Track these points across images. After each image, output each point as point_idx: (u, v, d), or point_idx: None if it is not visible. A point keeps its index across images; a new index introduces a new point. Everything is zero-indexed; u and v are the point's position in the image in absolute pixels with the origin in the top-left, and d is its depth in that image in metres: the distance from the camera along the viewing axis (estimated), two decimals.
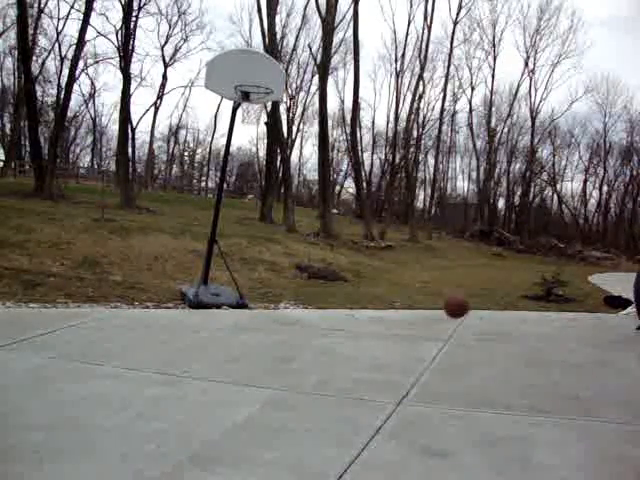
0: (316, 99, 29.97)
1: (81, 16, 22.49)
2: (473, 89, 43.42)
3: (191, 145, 56.24)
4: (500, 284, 12.73)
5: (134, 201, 21.11)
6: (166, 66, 40.26)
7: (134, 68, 34.05)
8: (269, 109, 25.50)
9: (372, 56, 49.30)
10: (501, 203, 49.20)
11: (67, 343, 4.96)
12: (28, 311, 6.25)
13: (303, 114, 43.56)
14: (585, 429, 3.20)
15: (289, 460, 2.93)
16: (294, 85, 41.33)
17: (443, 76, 37.35)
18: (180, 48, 41.35)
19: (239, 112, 8.59)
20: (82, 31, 21.11)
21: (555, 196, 48.59)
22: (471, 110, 43.35)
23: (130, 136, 30.97)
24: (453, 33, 36.20)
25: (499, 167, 46.23)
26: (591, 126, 61.91)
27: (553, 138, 46.39)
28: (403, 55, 38.13)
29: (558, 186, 47.58)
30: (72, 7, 28.55)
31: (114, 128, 43.26)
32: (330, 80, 31.25)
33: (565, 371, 4.88)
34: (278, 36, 29.99)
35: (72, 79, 22.16)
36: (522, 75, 43.04)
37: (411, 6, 35.97)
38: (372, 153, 47.96)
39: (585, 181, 48.05)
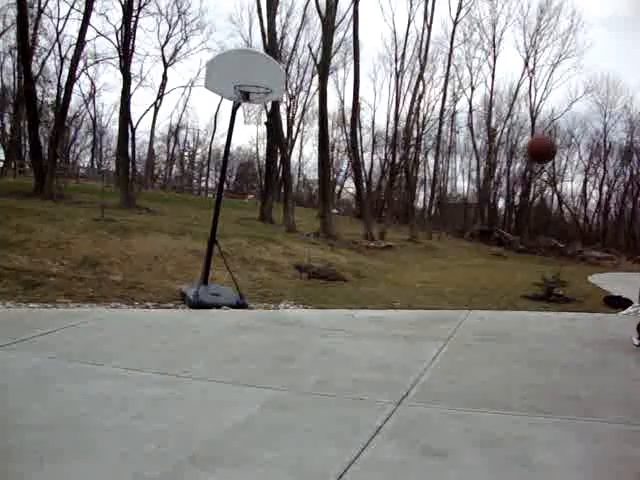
0: (316, 99, 30.01)
1: (81, 16, 22.52)
2: (473, 89, 43.50)
3: (191, 145, 56.32)
4: (500, 284, 12.73)
5: (134, 201, 21.11)
6: (166, 66, 40.33)
7: (134, 68, 34.13)
8: (269, 109, 25.49)
9: (372, 56, 49.36)
10: (501, 203, 49.27)
11: (67, 343, 4.96)
12: (28, 311, 6.25)
13: (303, 114, 43.61)
14: (585, 429, 3.20)
15: (289, 460, 2.93)
16: (294, 85, 41.37)
17: (443, 76, 37.42)
18: (180, 48, 41.45)
19: (239, 112, 8.58)
20: (82, 31, 21.12)
21: (555, 196, 48.65)
22: (471, 110, 43.42)
23: (130, 136, 30.98)
24: (453, 33, 36.28)
25: (499, 167, 46.30)
26: (591, 126, 61.91)
27: (553, 138, 46.37)
28: (403, 55, 38.17)
29: (558, 186, 47.63)
30: (72, 7, 28.64)
31: (114, 128, 43.31)
32: (330, 80, 31.33)
33: (565, 371, 4.88)
34: (278, 36, 29.99)
35: (72, 79, 22.17)
36: (522, 75, 43.17)
37: (411, 6, 35.98)
38: (372, 153, 48.01)
39: (585, 181, 48.12)
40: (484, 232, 37.03)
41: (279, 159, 26.78)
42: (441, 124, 36.47)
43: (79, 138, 50.39)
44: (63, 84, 25.94)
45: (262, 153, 39.86)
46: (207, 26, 73.09)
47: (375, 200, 41.80)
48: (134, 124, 36.24)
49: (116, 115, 34.80)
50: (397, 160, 35.85)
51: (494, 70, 42.76)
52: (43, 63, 32.28)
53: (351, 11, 26.91)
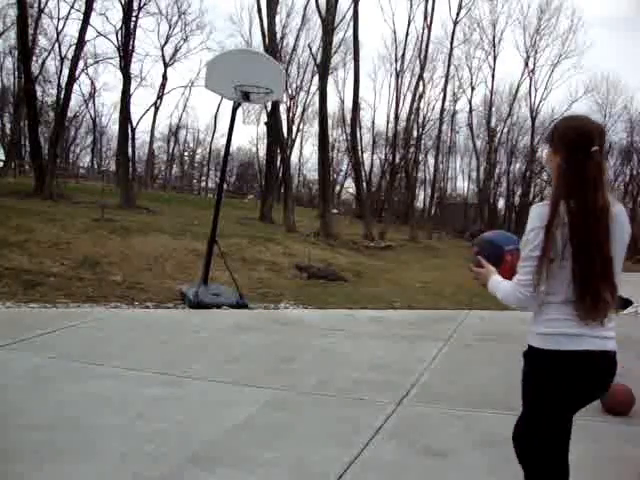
0: (316, 99, 29.95)
1: (81, 16, 22.48)
2: (473, 89, 43.42)
3: (191, 145, 56.27)
4: None
5: (134, 201, 21.09)
6: (166, 66, 40.30)
7: (134, 68, 34.07)
8: (269, 109, 25.48)
9: (372, 56, 49.23)
10: (501, 203, 49.22)
11: (67, 343, 4.96)
12: (28, 311, 6.25)
13: (303, 114, 43.52)
14: (585, 429, 3.20)
15: (289, 460, 2.93)
16: (294, 85, 41.29)
17: (443, 76, 37.35)
18: (180, 48, 41.39)
19: (239, 112, 8.59)
20: (82, 31, 21.09)
21: None
22: (471, 110, 43.34)
23: (130, 136, 31.04)
24: (453, 33, 36.19)
25: (499, 167, 46.25)
26: None
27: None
28: (403, 55, 38.12)
29: None
30: (72, 7, 28.63)
31: (114, 128, 43.22)
32: (330, 80, 31.23)
33: None
34: (278, 36, 29.96)
35: (72, 79, 22.13)
36: (522, 75, 43.07)
37: (411, 6, 35.85)
38: (372, 153, 47.95)
39: None
40: (484, 232, 37.00)
41: (279, 159, 26.78)
42: (441, 124, 36.45)
43: (79, 138, 50.39)
44: (63, 84, 25.99)
45: (262, 153, 39.86)
46: (207, 26, 72.82)
47: (375, 200, 41.79)
48: (134, 124, 36.35)
49: (116, 115, 34.77)
50: (397, 160, 35.84)
51: (494, 70, 42.72)
52: (43, 63, 32.30)
53: (351, 11, 26.93)
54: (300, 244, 16.18)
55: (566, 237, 1.73)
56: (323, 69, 24.99)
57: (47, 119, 33.76)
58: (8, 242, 9.68)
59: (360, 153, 32.64)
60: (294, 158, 45.28)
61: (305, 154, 73.24)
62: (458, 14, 36.20)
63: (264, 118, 31.79)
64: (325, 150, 25.62)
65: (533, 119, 43.52)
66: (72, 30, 65.58)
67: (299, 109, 43.01)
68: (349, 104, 33.77)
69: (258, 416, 3.53)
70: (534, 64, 42.94)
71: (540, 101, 44.40)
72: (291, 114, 41.78)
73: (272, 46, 23.50)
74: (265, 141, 30.95)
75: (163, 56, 40.15)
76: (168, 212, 21.03)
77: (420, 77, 34.00)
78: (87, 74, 38.18)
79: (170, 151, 53.42)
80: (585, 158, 1.78)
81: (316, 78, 31.01)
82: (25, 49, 21.75)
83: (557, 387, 1.88)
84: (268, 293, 9.05)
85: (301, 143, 50.66)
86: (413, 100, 33.93)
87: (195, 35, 70.40)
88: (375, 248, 21.94)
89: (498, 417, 3.70)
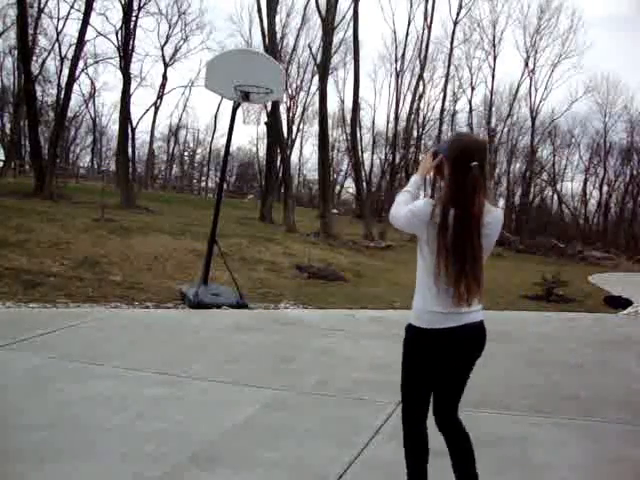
0: (316, 99, 29.95)
1: (81, 16, 22.49)
2: (473, 89, 43.40)
3: (191, 145, 56.27)
4: (500, 284, 12.72)
5: (134, 201, 21.09)
6: (166, 66, 40.32)
7: (134, 68, 34.08)
8: (269, 109, 25.48)
9: (372, 56, 49.17)
10: (501, 203, 49.15)
11: (67, 343, 4.96)
12: (28, 311, 6.25)
13: (303, 114, 43.51)
14: (585, 429, 3.20)
15: (289, 460, 2.93)
16: (294, 85, 41.30)
17: (443, 76, 37.39)
18: (180, 48, 41.43)
19: (239, 112, 8.58)
20: (82, 31, 21.10)
21: (555, 196, 48.60)
22: (471, 110, 43.33)
23: (130, 136, 31.07)
24: (453, 33, 36.21)
25: (499, 167, 46.21)
26: (591, 126, 61.71)
27: (553, 138, 46.35)
28: (403, 55, 38.12)
29: (558, 186, 47.60)
30: (72, 7, 28.69)
31: (114, 128, 43.21)
32: (330, 80, 31.21)
33: (565, 371, 4.88)
34: (278, 36, 29.98)
35: (72, 79, 22.15)
36: (522, 75, 42.97)
37: (411, 6, 35.88)
38: (372, 153, 47.90)
39: (585, 181, 48.07)
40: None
41: (279, 159, 26.77)
42: (441, 124, 36.46)
43: (79, 138, 50.42)
44: (63, 84, 26.02)
45: (262, 153, 39.86)
46: (207, 26, 72.76)
47: (375, 200, 41.77)
48: (134, 124, 36.37)
49: (116, 115, 34.74)
50: (397, 160, 35.84)
51: (494, 70, 42.66)
52: (43, 63, 32.31)
53: (351, 11, 26.89)
54: (300, 244, 16.18)
55: (435, 234, 2.08)
56: (323, 69, 24.98)
57: (47, 119, 33.76)
58: (8, 242, 9.68)
59: (360, 153, 32.61)
60: (294, 158, 45.33)
61: (305, 154, 73.22)
62: (458, 14, 36.23)
63: (264, 118, 31.80)
64: (325, 150, 25.61)
65: (533, 119, 43.47)
66: (72, 30, 65.66)
67: (299, 109, 43.05)
68: (349, 104, 33.76)
69: (258, 416, 3.53)
70: (534, 64, 42.91)
71: (540, 101, 44.33)
72: (291, 114, 41.81)
73: (272, 46, 23.50)
74: (265, 141, 31.00)
75: (163, 56, 40.21)
76: (168, 212, 21.03)
77: (420, 77, 34.02)
78: (87, 74, 38.27)
79: (170, 151, 53.46)
80: (466, 172, 2.09)
81: (316, 78, 31.04)
82: (25, 49, 21.76)
83: (426, 358, 2.32)
84: (268, 293, 9.05)
85: (301, 143, 50.71)
86: (413, 100, 33.96)
87: (195, 35, 70.60)
88: (375, 248, 21.92)
89: (498, 417, 3.70)
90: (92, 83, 41.89)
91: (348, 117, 36.44)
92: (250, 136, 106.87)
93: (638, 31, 73.33)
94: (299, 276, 11.45)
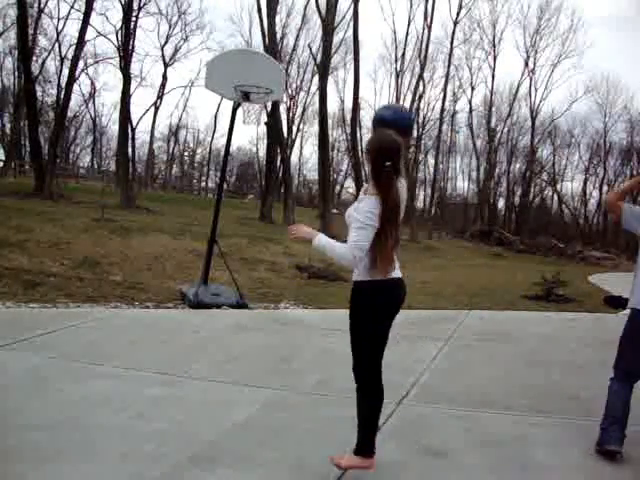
0: (316, 99, 29.93)
1: (81, 16, 22.49)
2: (473, 89, 43.41)
3: (191, 145, 56.26)
4: (500, 284, 12.72)
5: (134, 201, 21.10)
6: (166, 66, 40.30)
7: (134, 68, 34.07)
8: (269, 109, 25.50)
9: (372, 56, 49.27)
10: (501, 203, 49.19)
11: (67, 343, 4.96)
12: (28, 311, 6.25)
13: (303, 114, 43.48)
14: (585, 429, 3.20)
15: (289, 460, 2.94)
16: (294, 85, 41.28)
17: (443, 76, 37.34)
18: (180, 48, 41.40)
19: (239, 112, 8.58)
20: (82, 31, 21.11)
21: (555, 196, 48.59)
22: (471, 110, 43.33)
23: (130, 136, 31.01)
24: (453, 33, 36.16)
25: (499, 167, 46.22)
26: (591, 126, 61.72)
27: (553, 138, 46.36)
28: (403, 55, 38.12)
29: (558, 186, 47.58)
30: (72, 7, 28.65)
31: (114, 128, 43.25)
32: (330, 80, 31.20)
33: (565, 371, 4.88)
34: (278, 36, 29.96)
35: (72, 79, 22.15)
36: (522, 75, 43.00)
37: (411, 6, 35.97)
38: None
39: (585, 181, 48.07)
40: (484, 232, 36.98)
41: (279, 159, 26.78)
42: (441, 124, 36.43)
43: (79, 138, 50.40)
44: (63, 84, 26.00)
45: (262, 153, 39.91)
46: (207, 26, 72.95)
47: None
48: (134, 124, 36.30)
49: (116, 115, 34.75)
50: None
51: (494, 70, 42.68)
52: (43, 63, 32.28)
53: (351, 11, 26.89)
54: (300, 244, 16.17)
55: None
56: (323, 69, 24.98)
57: (47, 119, 33.78)
58: (8, 242, 9.68)
59: (360, 153, 32.59)
60: (294, 158, 45.32)
61: (305, 154, 73.28)
62: (458, 14, 36.18)
63: (264, 118, 31.82)
64: (325, 150, 25.62)
65: (533, 119, 43.47)
66: (72, 30, 65.63)
67: (299, 109, 43.02)
68: (349, 104, 33.76)
69: (258, 416, 3.53)
70: (534, 64, 42.93)
71: (540, 101, 44.37)
72: (291, 114, 41.79)
73: (272, 46, 23.51)
74: (265, 141, 31.00)
75: (163, 56, 40.19)
76: (168, 212, 21.03)
77: (420, 77, 34.02)
78: (87, 74, 38.21)
79: (170, 151, 53.45)
80: (382, 170, 2.61)
81: (316, 78, 31.03)
82: (25, 49, 21.76)
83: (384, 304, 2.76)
84: (268, 293, 9.04)
85: (301, 143, 50.70)
86: (413, 100, 33.93)
87: (195, 35, 70.52)
88: None
89: (498, 417, 3.70)
90: (92, 83, 41.91)
91: (348, 117, 36.43)
92: (250, 136, 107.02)
93: (638, 31, 73.33)
94: (299, 276, 11.44)
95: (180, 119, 50.68)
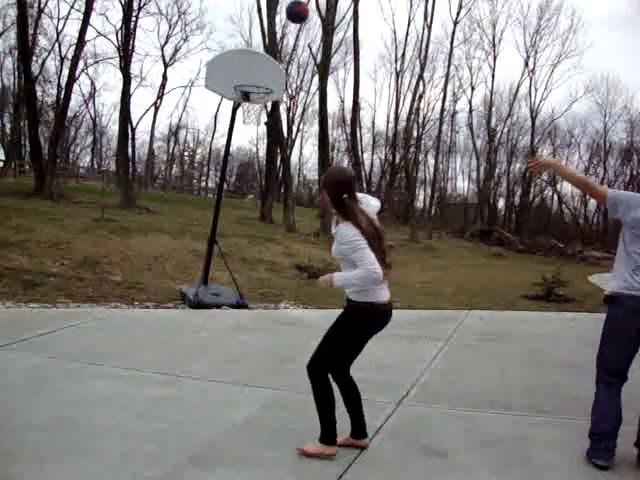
0: (316, 99, 29.94)
1: (81, 16, 22.48)
2: (473, 89, 43.36)
3: (191, 145, 56.23)
4: (500, 284, 12.72)
5: (134, 201, 21.08)
6: (166, 66, 40.26)
7: (134, 68, 34.11)
8: (269, 109, 25.47)
9: (372, 56, 49.27)
10: (501, 203, 49.18)
11: (67, 343, 4.96)
12: (28, 311, 6.25)
13: (303, 114, 43.44)
14: (585, 429, 3.20)
15: (289, 460, 2.94)
16: (294, 85, 41.23)
17: (443, 76, 37.26)
18: (180, 48, 41.36)
19: (239, 112, 8.57)
20: (82, 31, 21.09)
21: (555, 196, 48.56)
22: (471, 110, 43.30)
23: (130, 136, 31.01)
24: (453, 33, 36.09)
25: (499, 167, 46.20)
26: (591, 126, 61.82)
27: (553, 138, 46.37)
28: (403, 55, 38.15)
29: (558, 186, 47.49)
30: (72, 7, 28.61)
31: (114, 128, 43.26)
32: (330, 80, 31.19)
33: (565, 371, 4.88)
34: (278, 36, 29.92)
35: (72, 79, 22.13)
36: (522, 75, 42.95)
37: (411, 6, 36.13)
38: (372, 153, 47.93)
39: None
40: (484, 232, 36.95)
41: (279, 159, 26.77)
42: (441, 124, 36.35)
43: (79, 138, 50.36)
44: (63, 84, 25.99)
45: (262, 153, 39.83)
46: (207, 26, 72.85)
47: None
48: (134, 124, 36.30)
49: (116, 115, 34.77)
50: (397, 160, 35.84)
51: (494, 70, 42.63)
52: (43, 63, 32.23)
53: (351, 11, 26.92)
54: (300, 244, 16.18)
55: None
56: (323, 69, 24.98)
57: (47, 119, 33.76)
58: (8, 242, 9.68)
59: (360, 153, 32.68)
60: (294, 158, 45.28)
61: (305, 154, 73.17)
62: (458, 14, 36.11)
63: (264, 118, 31.70)
64: (325, 150, 25.62)
65: (533, 119, 43.45)
66: (72, 30, 65.66)
67: (299, 109, 42.97)
68: (349, 104, 33.80)
69: (258, 416, 3.53)
70: (534, 64, 42.86)
71: (540, 101, 44.34)
72: (291, 114, 41.74)
73: (272, 46, 23.49)
74: (265, 141, 30.95)
75: (163, 56, 40.15)
76: (168, 212, 21.02)
77: (420, 77, 33.99)
78: (87, 74, 38.17)
79: (170, 151, 53.43)
80: (342, 201, 2.87)
81: (316, 78, 31.00)
82: (25, 49, 21.74)
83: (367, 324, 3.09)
84: (268, 293, 9.04)
85: (301, 143, 50.66)
86: (413, 100, 33.94)
87: (195, 35, 70.61)
88: None
89: (498, 417, 3.70)
90: (92, 83, 41.89)
91: (348, 117, 36.48)
92: (250, 136, 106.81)
93: (638, 31, 73.26)
94: (299, 276, 11.44)
95: (180, 119, 50.72)
